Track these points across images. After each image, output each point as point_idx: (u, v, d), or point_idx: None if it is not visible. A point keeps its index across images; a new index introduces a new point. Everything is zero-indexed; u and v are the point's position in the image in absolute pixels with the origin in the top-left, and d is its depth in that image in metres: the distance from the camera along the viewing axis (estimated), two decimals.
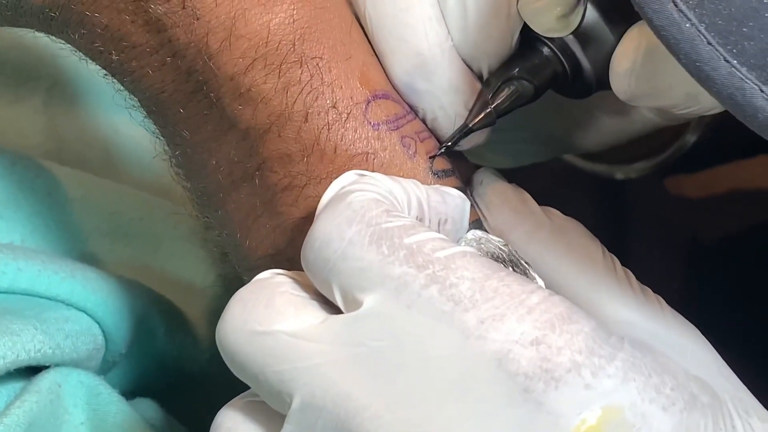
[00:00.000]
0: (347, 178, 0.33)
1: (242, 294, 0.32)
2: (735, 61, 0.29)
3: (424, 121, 0.38)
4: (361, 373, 0.30)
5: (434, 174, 0.38)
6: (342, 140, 0.36)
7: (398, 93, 0.39)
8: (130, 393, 0.43)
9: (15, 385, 0.39)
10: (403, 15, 0.37)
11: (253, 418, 0.32)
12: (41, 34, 0.52)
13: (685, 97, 0.37)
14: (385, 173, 0.35)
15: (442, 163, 0.38)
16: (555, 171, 0.70)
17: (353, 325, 0.30)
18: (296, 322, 0.31)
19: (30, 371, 0.40)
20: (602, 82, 0.39)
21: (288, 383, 0.30)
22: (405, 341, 0.30)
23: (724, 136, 0.60)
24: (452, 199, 0.35)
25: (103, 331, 0.43)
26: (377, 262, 0.31)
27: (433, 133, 0.39)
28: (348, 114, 0.36)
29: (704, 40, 0.29)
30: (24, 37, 0.51)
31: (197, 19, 0.35)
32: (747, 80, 0.29)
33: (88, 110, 0.53)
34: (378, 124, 0.36)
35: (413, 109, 0.38)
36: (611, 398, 0.30)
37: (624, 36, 0.37)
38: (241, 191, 0.37)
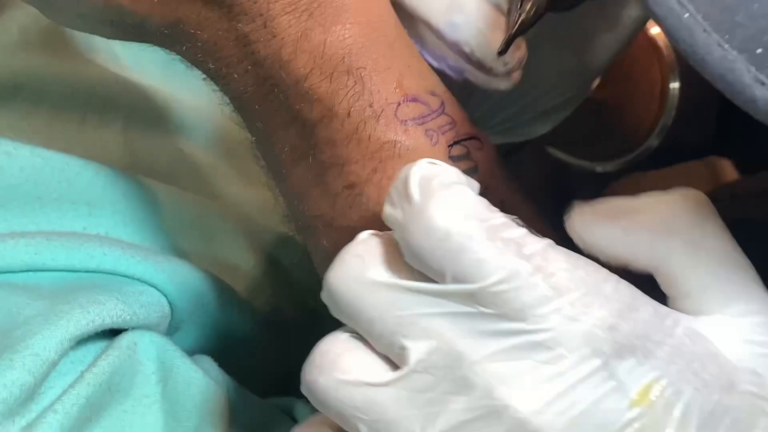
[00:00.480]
0: (422, 165, 0.31)
1: (356, 249, 0.31)
2: (726, 46, 0.27)
3: (466, 56, 0.39)
4: (473, 334, 0.29)
5: (452, 158, 0.38)
6: (374, 131, 0.36)
7: (444, 40, 0.38)
8: (189, 351, 0.43)
9: (101, 344, 0.40)
10: None
11: (357, 346, 0.31)
12: (122, 72, 0.54)
13: None
14: (410, 157, 0.35)
15: (458, 150, 0.38)
16: (547, 166, 0.69)
17: (472, 297, 0.29)
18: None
19: (112, 333, 0.41)
20: None
21: (407, 327, 0.29)
22: (512, 313, 0.29)
23: (680, 141, 0.60)
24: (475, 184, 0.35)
25: (169, 303, 0.44)
26: (494, 255, 0.29)
27: (476, 65, 0.39)
28: (381, 112, 0.36)
29: (701, 28, 0.28)
30: (106, 73, 0.53)
31: (274, 36, 0.35)
32: (736, 62, 0.27)
33: (157, 134, 0.53)
34: (405, 121, 0.37)
35: (458, 46, 0.38)
36: (656, 375, 0.29)
37: None
38: (299, 167, 0.37)
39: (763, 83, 0.27)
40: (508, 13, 0.38)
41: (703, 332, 0.31)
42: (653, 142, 0.56)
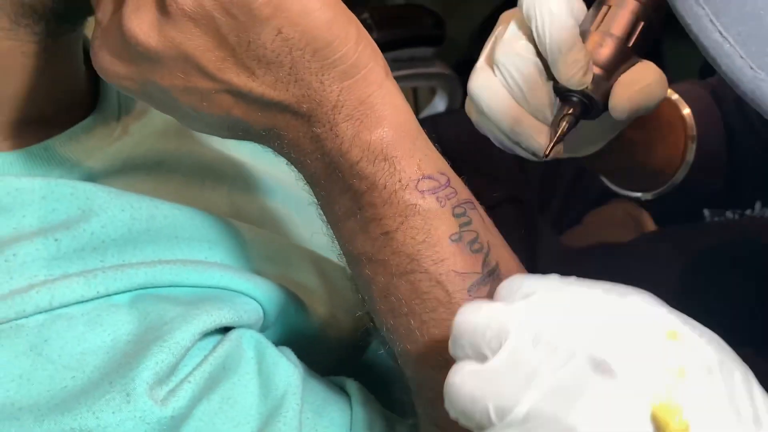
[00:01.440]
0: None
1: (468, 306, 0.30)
2: (757, 69, 0.27)
3: (530, 148, 0.44)
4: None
5: (455, 216, 0.38)
6: (402, 198, 0.37)
7: (510, 141, 0.45)
8: (274, 344, 0.44)
9: (218, 337, 0.41)
10: (497, 107, 0.44)
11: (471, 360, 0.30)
12: (228, 152, 0.54)
13: (646, 110, 0.43)
14: (424, 216, 0.37)
15: (459, 209, 0.39)
16: (520, 219, 0.71)
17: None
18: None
19: (225, 330, 0.41)
20: (603, 107, 0.44)
21: (504, 329, 0.29)
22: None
23: (702, 175, 0.56)
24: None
25: (263, 310, 0.44)
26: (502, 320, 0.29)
27: (534, 153, 0.45)
28: (406, 185, 0.37)
29: (738, 54, 0.27)
30: (217, 152, 0.53)
31: (337, 136, 0.37)
32: (765, 80, 0.26)
33: (251, 194, 0.54)
34: (423, 191, 0.37)
35: (520, 145, 0.44)
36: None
37: (614, 85, 0.43)
38: (350, 221, 0.38)
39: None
40: (551, 128, 0.43)
41: None
42: (678, 176, 0.54)
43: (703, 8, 0.28)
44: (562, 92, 0.43)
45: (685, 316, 0.29)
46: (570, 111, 0.43)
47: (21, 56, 0.40)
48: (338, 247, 0.42)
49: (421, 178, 0.38)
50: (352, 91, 0.37)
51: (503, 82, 0.44)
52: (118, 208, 0.43)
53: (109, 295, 0.39)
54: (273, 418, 0.39)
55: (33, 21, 0.39)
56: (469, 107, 0.46)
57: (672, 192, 0.54)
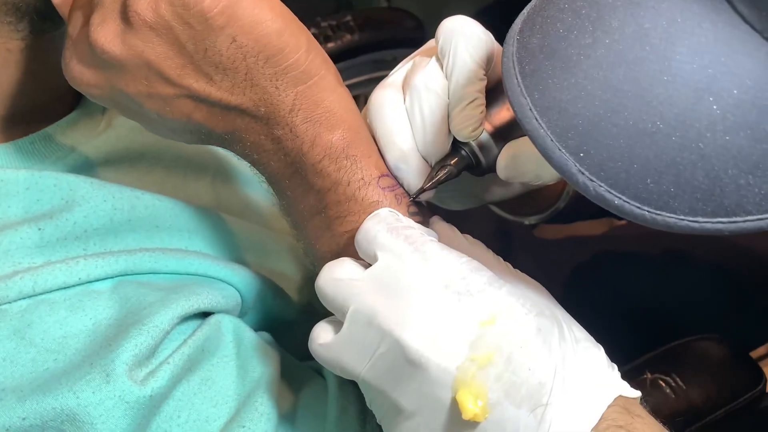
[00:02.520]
0: (383, 210, 0.37)
1: (330, 262, 0.36)
2: (564, 150, 0.31)
3: (402, 185, 0.40)
4: (380, 294, 0.34)
5: (409, 213, 0.40)
6: (366, 194, 0.38)
7: (390, 171, 0.40)
8: (253, 329, 0.44)
9: (197, 321, 0.42)
10: (393, 132, 0.40)
11: (330, 325, 0.36)
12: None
13: (535, 176, 0.40)
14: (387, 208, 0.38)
15: (413, 209, 0.40)
16: (489, 222, 0.71)
17: (377, 271, 0.34)
18: (352, 273, 0.35)
19: (204, 314, 0.42)
20: (491, 168, 0.41)
21: (347, 301, 0.34)
22: (401, 279, 0.34)
23: (581, 203, 0.61)
24: (432, 232, 0.38)
25: (241, 296, 0.44)
26: (390, 241, 0.35)
27: (407, 192, 0.41)
28: (369, 182, 0.38)
29: (549, 138, 0.32)
30: (200, 147, 0.53)
31: (297, 137, 0.38)
32: (569, 160, 0.31)
33: (234, 186, 0.54)
34: (384, 188, 0.39)
35: (398, 180, 0.40)
36: (499, 307, 0.33)
37: (502, 149, 0.40)
38: (315, 220, 0.39)
39: (582, 173, 0.31)
40: (430, 173, 0.40)
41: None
42: (561, 204, 0.57)
43: (526, 98, 0.32)
44: (455, 143, 0.41)
45: (533, 295, 0.35)
46: (452, 162, 0.40)
47: (5, 53, 0.40)
48: (303, 245, 0.42)
49: (381, 176, 0.39)
50: (307, 96, 0.38)
51: (410, 112, 0.40)
52: (100, 198, 0.43)
53: (90, 282, 0.39)
54: (251, 399, 0.40)
55: (16, 18, 0.39)
56: (364, 112, 0.43)
57: (555, 217, 0.57)
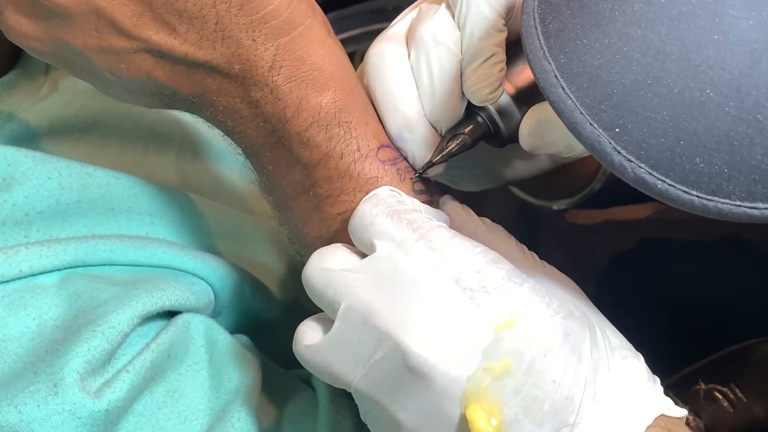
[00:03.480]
0: (382, 188, 0.37)
1: (320, 250, 0.37)
2: (596, 125, 0.32)
3: (407, 158, 0.41)
4: (378, 290, 0.34)
5: (414, 191, 0.40)
6: (363, 169, 0.39)
7: (392, 141, 0.41)
8: (229, 331, 0.45)
9: (161, 322, 0.43)
10: (396, 94, 0.40)
11: (319, 323, 0.36)
12: (175, 113, 0.55)
13: (565, 147, 0.40)
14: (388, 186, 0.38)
15: (419, 185, 0.41)
16: (510, 205, 0.71)
17: (375, 262, 0.35)
18: (346, 263, 0.35)
19: (170, 314, 0.43)
20: (512, 138, 0.42)
21: (338, 296, 0.35)
22: (403, 270, 0.34)
23: (620, 185, 0.61)
24: (442, 215, 0.39)
25: (213, 292, 0.45)
26: (390, 227, 0.35)
27: (412, 166, 0.41)
28: (366, 155, 0.39)
29: (578, 111, 0.32)
30: (163, 113, 0.54)
31: (279, 99, 0.38)
32: (602, 136, 0.32)
33: (202, 161, 0.55)
34: (384, 161, 0.40)
35: (401, 151, 0.41)
36: (519, 306, 0.33)
37: (525, 114, 0.40)
38: (301, 200, 0.40)
39: (619, 152, 0.31)
40: (441, 142, 0.41)
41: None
42: (596, 185, 0.58)
43: (550, 63, 0.32)
44: (469, 107, 0.41)
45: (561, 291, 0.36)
46: (466, 130, 0.40)
47: None
48: (288, 231, 0.42)
49: (380, 147, 0.40)
50: (290, 50, 0.38)
51: (415, 70, 0.40)
52: (44, 175, 0.43)
53: (33, 275, 0.40)
54: (226, 414, 0.41)
55: None
56: (360, 69, 0.43)
57: (589, 200, 0.57)
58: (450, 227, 0.40)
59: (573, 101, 0.32)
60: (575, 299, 0.37)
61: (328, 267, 0.35)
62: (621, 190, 0.58)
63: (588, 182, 0.58)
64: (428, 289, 0.33)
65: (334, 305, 0.35)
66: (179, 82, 0.38)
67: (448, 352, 0.33)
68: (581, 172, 0.57)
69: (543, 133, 0.40)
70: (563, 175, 0.51)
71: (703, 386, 0.60)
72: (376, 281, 0.34)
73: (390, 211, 0.35)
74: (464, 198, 0.45)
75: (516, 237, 0.41)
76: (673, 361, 0.61)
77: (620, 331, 0.38)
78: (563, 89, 0.32)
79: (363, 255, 0.36)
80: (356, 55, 0.90)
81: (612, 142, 0.31)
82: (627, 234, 0.74)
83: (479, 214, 0.42)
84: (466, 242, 0.35)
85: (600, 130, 0.31)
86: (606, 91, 0.31)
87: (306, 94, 0.38)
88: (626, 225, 0.75)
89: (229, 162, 0.56)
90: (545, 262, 0.40)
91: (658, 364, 0.37)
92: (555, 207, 0.61)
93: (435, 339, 0.33)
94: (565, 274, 0.40)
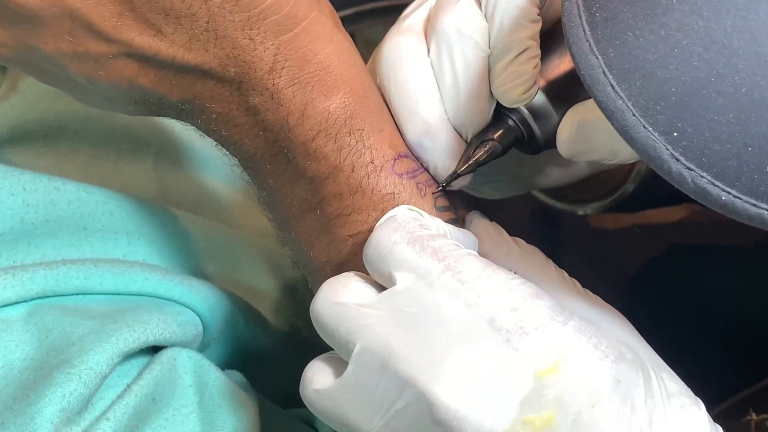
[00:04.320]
0: (401, 208, 0.37)
1: (330, 279, 0.36)
2: (650, 128, 0.31)
3: (428, 169, 0.41)
4: (399, 329, 0.33)
5: (437, 208, 0.40)
6: (377, 184, 0.39)
7: (411, 150, 0.40)
8: (219, 366, 0.44)
9: (144, 359, 0.42)
10: (415, 97, 0.40)
11: (330, 365, 0.36)
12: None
13: (610, 152, 0.40)
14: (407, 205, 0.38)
15: (442, 201, 0.41)
16: (526, 208, 0.71)
17: (395, 297, 0.34)
18: (361, 297, 0.35)
19: (153, 349, 0.43)
20: (549, 143, 0.41)
21: (353, 335, 0.34)
22: (427, 308, 0.33)
23: (656, 186, 0.62)
24: (470, 237, 0.39)
25: (201, 322, 0.45)
26: (412, 256, 0.34)
27: (434, 178, 0.41)
28: (381, 167, 0.39)
29: (630, 112, 0.32)
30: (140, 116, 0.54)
31: (281, 105, 0.38)
32: (657, 141, 0.31)
33: (183, 169, 0.55)
34: (401, 174, 0.39)
35: (421, 162, 0.40)
36: (563, 350, 0.33)
37: (564, 115, 0.40)
38: (307, 219, 0.40)
39: (677, 159, 0.31)
40: (466, 150, 0.40)
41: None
42: (629, 186, 0.57)
43: (597, 58, 0.32)
44: (499, 109, 0.41)
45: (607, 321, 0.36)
46: (496, 135, 0.40)
47: None
48: (291, 253, 0.42)
49: (397, 158, 0.39)
50: (294, 48, 0.38)
51: (436, 68, 0.40)
52: (6, 191, 0.43)
53: None
54: None
55: None
56: (371, 66, 0.42)
57: (620, 204, 0.57)
58: (479, 250, 0.39)
59: (624, 101, 0.31)
60: (625, 337, 0.37)
61: (341, 301, 0.35)
62: (658, 192, 0.58)
63: (620, 183, 0.57)
64: (457, 329, 0.33)
65: (348, 345, 0.34)
66: (166, 88, 0.38)
67: (481, 403, 0.32)
68: (613, 172, 0.57)
69: (585, 138, 0.39)
70: (591, 176, 0.50)
71: (754, 417, 0.59)
72: (396, 319, 0.34)
73: (411, 237, 0.35)
74: (476, 201, 0.45)
75: (533, 244, 0.41)
76: (717, 388, 0.60)
77: (653, 343, 0.38)
78: (612, 87, 0.32)
79: (380, 287, 0.36)
80: (357, 39, 0.88)
81: (669, 148, 0.31)
82: (659, 240, 0.74)
83: (492, 218, 0.42)
84: (500, 273, 0.34)
85: (655, 135, 0.31)
86: (662, 90, 0.31)
87: (312, 98, 0.38)
88: (658, 229, 0.76)
89: (214, 169, 0.56)
90: (588, 291, 0.39)
91: (700, 392, 0.37)
92: (581, 212, 0.61)
93: (466, 388, 0.32)
94: (589, 286, 0.40)
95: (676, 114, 0.31)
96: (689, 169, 0.31)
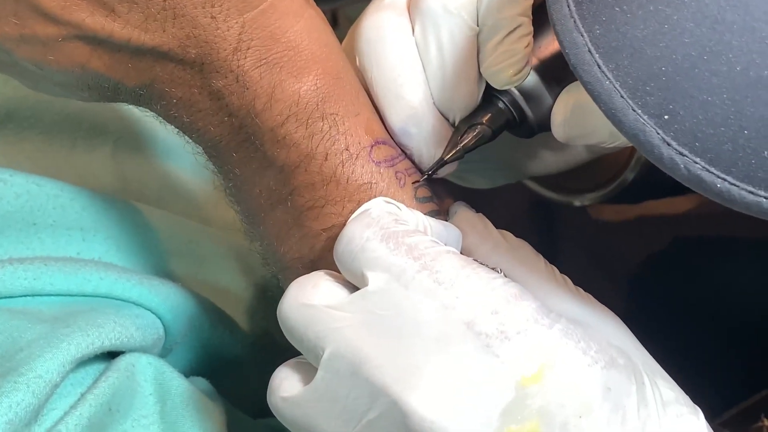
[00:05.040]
0: (376, 201, 0.37)
1: (298, 279, 0.36)
2: (640, 111, 0.32)
3: (412, 158, 0.41)
4: (371, 333, 0.34)
5: (417, 199, 0.40)
6: (353, 173, 0.39)
7: (393, 136, 0.41)
8: (183, 373, 0.45)
9: (99, 366, 0.42)
10: (399, 79, 0.40)
11: (299, 371, 0.36)
12: None
13: (609, 135, 0.40)
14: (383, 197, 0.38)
15: (423, 191, 0.41)
16: (522, 199, 0.71)
17: (367, 298, 0.34)
18: (331, 298, 0.35)
19: (110, 355, 0.43)
20: (542, 126, 0.42)
21: (322, 340, 0.34)
22: (402, 311, 0.34)
23: (658, 174, 0.61)
24: (453, 231, 0.39)
25: (163, 325, 0.45)
26: (385, 254, 0.34)
27: (418, 166, 0.41)
28: (357, 155, 0.39)
29: (618, 93, 0.32)
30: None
31: (247, 89, 0.38)
32: (647, 124, 0.31)
33: (145, 159, 0.55)
34: (379, 162, 0.40)
35: (404, 149, 0.41)
36: (548, 355, 0.33)
37: (558, 96, 0.40)
38: (277, 211, 0.40)
39: (669, 144, 0.31)
40: (452, 136, 0.41)
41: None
42: (629, 175, 0.57)
43: (583, 35, 0.32)
44: (488, 91, 0.41)
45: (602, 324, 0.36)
46: (485, 119, 0.41)
47: None
48: (261, 249, 0.42)
49: (375, 144, 0.40)
50: (260, 26, 0.38)
51: (421, 47, 0.40)
52: None
53: None
54: None
55: None
56: (348, 45, 0.43)
57: (620, 194, 0.57)
58: (462, 245, 0.40)
59: (611, 82, 0.32)
60: (618, 340, 0.37)
61: (310, 302, 0.35)
62: (660, 181, 0.58)
63: (619, 171, 0.58)
64: (433, 334, 0.33)
65: (317, 350, 0.35)
66: (122, 72, 0.38)
67: (459, 414, 0.32)
68: (610, 159, 0.57)
69: (581, 120, 0.40)
70: (588, 164, 0.51)
71: (766, 423, 0.60)
72: (368, 322, 0.34)
73: (385, 234, 0.35)
74: (466, 193, 0.44)
75: (529, 238, 0.41)
76: (726, 392, 0.61)
77: (657, 355, 0.38)
78: (599, 67, 0.32)
79: (353, 288, 0.36)
80: (339, 16, 0.88)
81: (660, 132, 0.31)
82: (664, 232, 0.74)
83: (481, 211, 0.42)
84: (480, 273, 0.34)
85: (645, 118, 0.31)
86: (652, 70, 0.31)
87: (280, 80, 0.38)
88: (663, 221, 0.76)
89: (179, 158, 0.56)
90: (580, 289, 0.39)
91: (707, 396, 0.37)
92: (577, 203, 0.61)
93: (442, 397, 0.33)
94: (588, 283, 0.40)
95: (667, 95, 0.31)
96: (681, 154, 0.31)
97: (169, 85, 0.39)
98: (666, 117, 0.31)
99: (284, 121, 0.38)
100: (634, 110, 0.32)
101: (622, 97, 0.32)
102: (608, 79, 0.32)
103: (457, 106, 0.41)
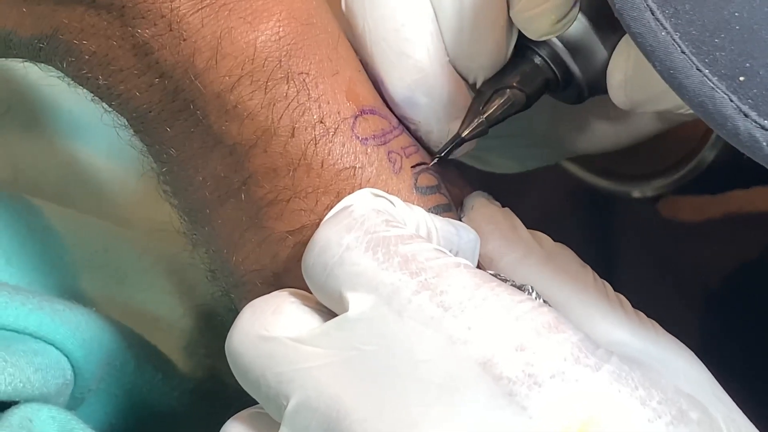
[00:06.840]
0: (361, 194, 0.37)
1: (254, 302, 0.36)
2: (707, 71, 0.32)
3: (417, 133, 0.42)
4: (352, 376, 0.33)
5: (418, 190, 0.41)
6: (329, 155, 0.39)
7: (393, 107, 0.41)
8: (99, 429, 0.45)
9: None
10: (404, 30, 0.41)
11: (254, 426, 0.36)
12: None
13: None
14: (371, 188, 0.39)
15: (426, 179, 0.41)
16: (562, 189, 0.74)
17: (347, 329, 0.34)
18: (297, 328, 0.35)
19: (0, 406, 0.43)
20: (595, 88, 0.42)
21: (286, 385, 0.34)
22: (394, 345, 0.33)
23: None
24: (466, 234, 0.39)
25: (72, 365, 0.45)
26: (372, 268, 0.34)
27: (426, 144, 0.42)
28: (336, 129, 0.39)
29: (678, 48, 0.32)
30: None
31: (183, 40, 0.39)
32: (717, 89, 0.32)
33: (44, 136, 0.55)
34: (366, 139, 0.40)
35: (408, 122, 0.41)
36: (594, 405, 0.32)
37: (616, 48, 0.41)
38: (227, 207, 0.40)
39: (746, 115, 0.31)
40: (473, 103, 0.42)
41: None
42: (708, 154, 0.58)
43: None
44: (521, 42, 0.42)
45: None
46: (516, 81, 0.42)
47: None
48: (208, 258, 0.43)
49: (360, 114, 0.40)
50: None
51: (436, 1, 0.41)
52: None
53: None
54: None
55: None
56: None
57: (695, 180, 0.58)
58: (481, 253, 0.40)
59: (669, 32, 0.32)
60: (692, 384, 0.37)
61: (269, 334, 0.35)
62: (747, 164, 0.59)
63: (695, 149, 0.58)
64: (437, 378, 0.33)
65: (279, 399, 0.35)
66: (14, 19, 0.40)
67: None
68: (682, 134, 0.58)
69: (648, 79, 0.40)
70: (652, 140, 0.52)
71: None
72: (348, 362, 0.34)
73: (372, 240, 0.35)
74: (487, 179, 0.45)
75: (571, 243, 0.41)
76: None
77: (745, 404, 0.38)
78: (652, 13, 0.33)
79: (328, 313, 0.36)
80: None
81: (734, 98, 0.32)
82: (755, 235, 0.74)
83: (512, 205, 0.42)
84: (502, 294, 0.34)
85: (714, 80, 0.32)
86: (722, 17, 0.32)
87: (229, 27, 0.38)
88: (751, 220, 0.77)
89: (90, 137, 0.57)
90: (640, 313, 0.40)
91: None
92: (638, 194, 0.62)
93: None
94: (652, 302, 0.41)
95: (743, 49, 0.32)
96: (763, 128, 0.32)
97: (78, 36, 0.39)
98: (741, 78, 0.32)
99: (235, 83, 0.39)
100: (700, 69, 0.32)
101: (683, 52, 0.32)
102: (665, 29, 0.33)
103: (479, 64, 0.42)
